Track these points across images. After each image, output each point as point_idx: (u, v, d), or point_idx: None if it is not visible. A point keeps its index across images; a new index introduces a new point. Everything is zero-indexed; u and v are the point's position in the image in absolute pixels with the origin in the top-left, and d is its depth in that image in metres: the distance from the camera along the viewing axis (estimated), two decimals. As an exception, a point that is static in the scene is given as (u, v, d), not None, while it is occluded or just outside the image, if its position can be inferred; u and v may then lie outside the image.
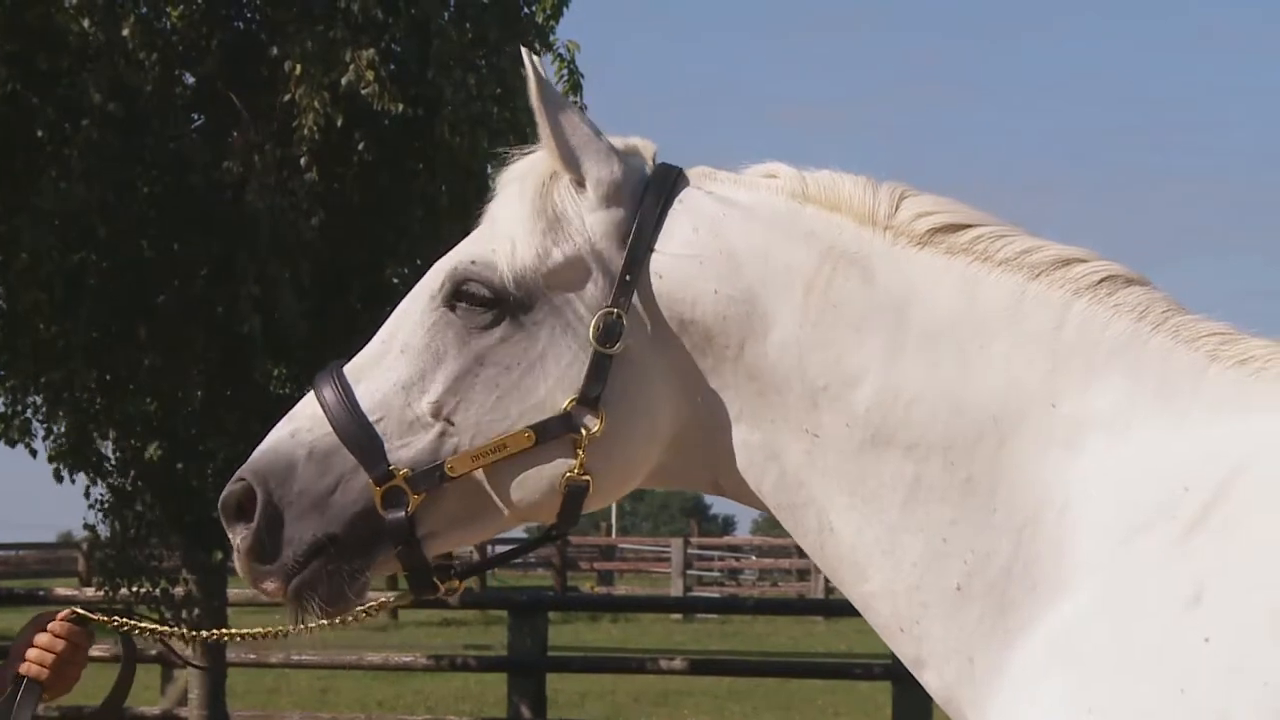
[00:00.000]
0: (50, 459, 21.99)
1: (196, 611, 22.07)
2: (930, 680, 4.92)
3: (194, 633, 5.88)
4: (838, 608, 21.90)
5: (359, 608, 5.01)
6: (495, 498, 4.92)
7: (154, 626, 5.80)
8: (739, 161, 5.17)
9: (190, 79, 20.84)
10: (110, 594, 22.35)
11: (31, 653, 5.65)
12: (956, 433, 4.83)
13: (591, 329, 4.88)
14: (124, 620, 5.79)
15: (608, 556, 64.35)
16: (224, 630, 5.86)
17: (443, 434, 4.88)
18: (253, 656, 26.09)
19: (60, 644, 5.64)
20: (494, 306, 4.90)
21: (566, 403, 4.88)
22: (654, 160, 5.08)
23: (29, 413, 21.65)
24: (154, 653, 18.85)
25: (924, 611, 4.86)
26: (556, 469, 4.90)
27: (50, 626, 5.69)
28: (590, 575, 62.35)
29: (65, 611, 5.74)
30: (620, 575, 64.88)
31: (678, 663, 28.51)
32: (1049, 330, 4.86)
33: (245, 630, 5.50)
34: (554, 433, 4.88)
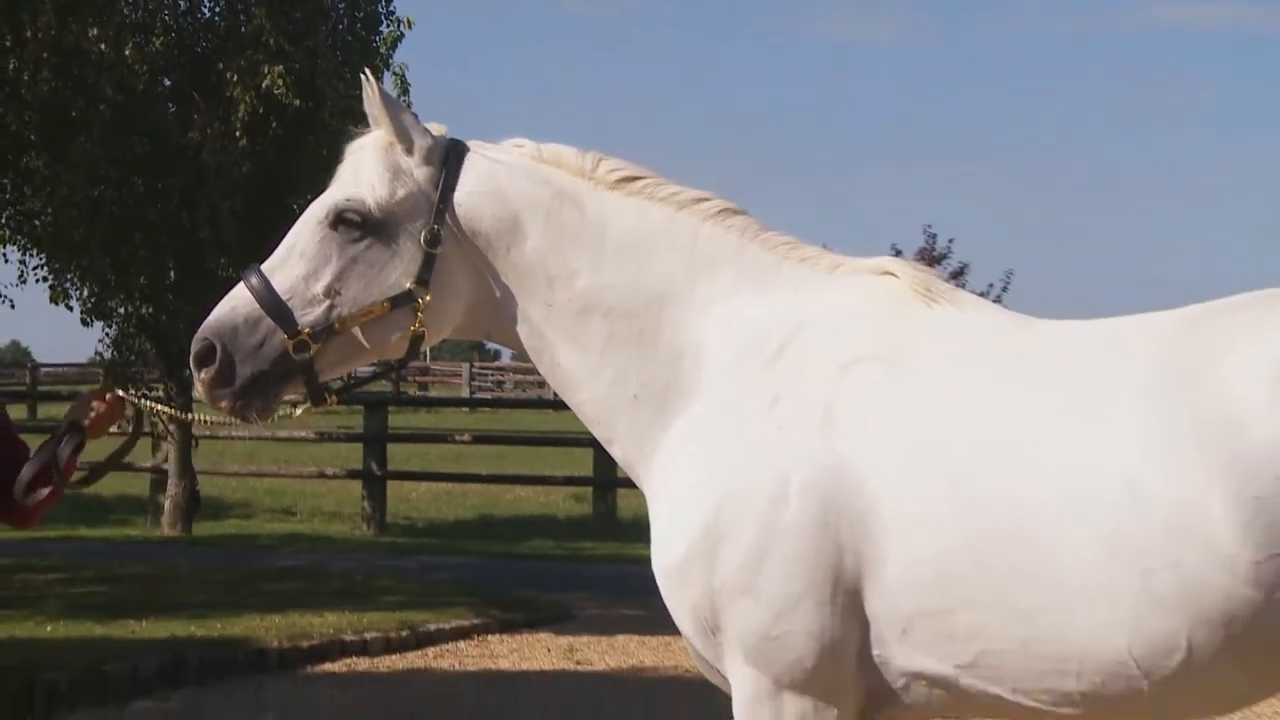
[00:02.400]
0: (81, 313, 22.03)
1: (175, 403, 22.23)
2: (617, 452, 5.01)
3: (180, 413, 5.88)
4: (562, 405, 21.77)
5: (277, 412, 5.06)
6: (365, 344, 4.93)
7: (161, 408, 5.89)
8: (500, 138, 5.19)
9: (168, 82, 20.75)
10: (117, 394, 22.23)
11: (82, 410, 5.63)
12: (635, 305, 4.89)
13: (423, 238, 4.89)
14: (141, 399, 5.83)
15: (424, 373, 64.03)
16: (196, 416, 5.82)
17: (331, 306, 4.86)
18: (207, 433, 25.84)
19: (102, 407, 5.62)
20: (362, 226, 4.89)
21: (409, 284, 4.88)
22: (448, 135, 5.07)
23: (67, 285, 21.64)
24: (148, 430, 18.57)
25: (613, 411, 4.94)
26: (405, 325, 4.92)
27: (97, 396, 5.69)
28: (414, 384, 62.02)
29: (106, 390, 5.73)
30: (431, 384, 64.70)
31: (466, 437, 28.41)
32: (688, 243, 4.94)
33: (212, 419, 5.49)
34: (402, 303, 4.88)
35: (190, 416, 5.58)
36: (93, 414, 5.64)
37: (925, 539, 4.47)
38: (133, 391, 5.86)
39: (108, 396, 5.67)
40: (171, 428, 23.15)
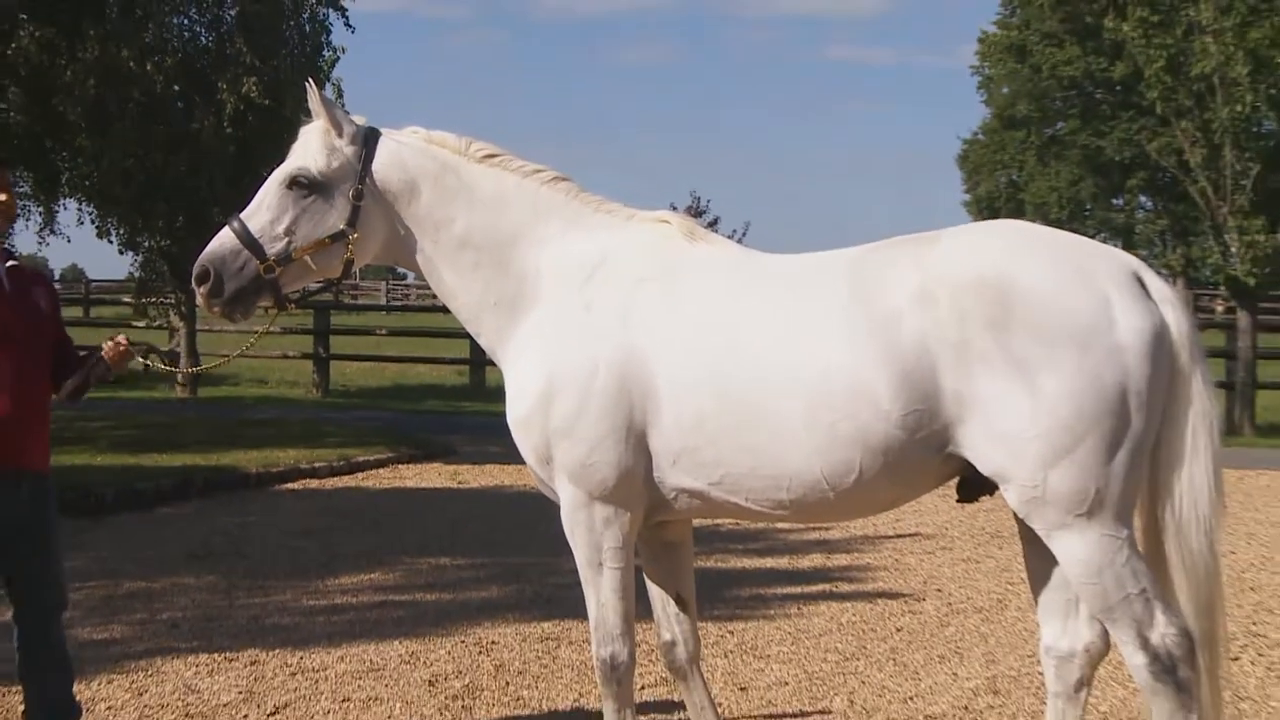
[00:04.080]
0: (119, 245, 21.90)
1: (184, 306, 22.27)
2: (484, 342, 4.91)
3: (175, 367, 5.74)
4: (448, 310, 21.62)
5: (254, 314, 4.92)
6: (313, 267, 4.78)
7: (160, 366, 5.79)
8: (402, 125, 5.03)
9: (177, 88, 20.13)
10: (142, 300, 23.78)
11: (107, 346, 5.47)
12: (495, 241, 4.79)
13: (351, 195, 4.76)
14: (146, 354, 5.70)
15: (355, 288, 62.66)
16: (197, 368, 5.68)
17: (289, 242, 4.72)
18: (204, 325, 25.31)
19: (120, 348, 5.46)
20: (309, 186, 4.74)
21: (343, 226, 4.75)
22: (367, 124, 4.93)
23: (109, 226, 21.66)
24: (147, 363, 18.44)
25: (480, 313, 4.84)
26: (340, 255, 4.79)
27: (117, 339, 5.54)
28: (348, 295, 60.55)
29: (122, 337, 5.57)
30: (360, 295, 63.48)
31: (384, 332, 28.12)
32: (530, 200, 4.84)
33: (206, 366, 5.38)
34: (338, 239, 4.75)
35: (177, 372, 5.46)
36: (113, 353, 5.51)
37: (689, 400, 4.47)
38: (136, 343, 5.67)
39: (122, 344, 5.50)
40: (181, 324, 23.11)
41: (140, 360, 5.65)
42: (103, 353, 5.50)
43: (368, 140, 4.87)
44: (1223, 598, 4.39)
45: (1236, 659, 7.47)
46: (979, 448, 4.21)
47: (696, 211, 30.63)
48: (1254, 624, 8.49)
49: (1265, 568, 10.40)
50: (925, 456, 4.30)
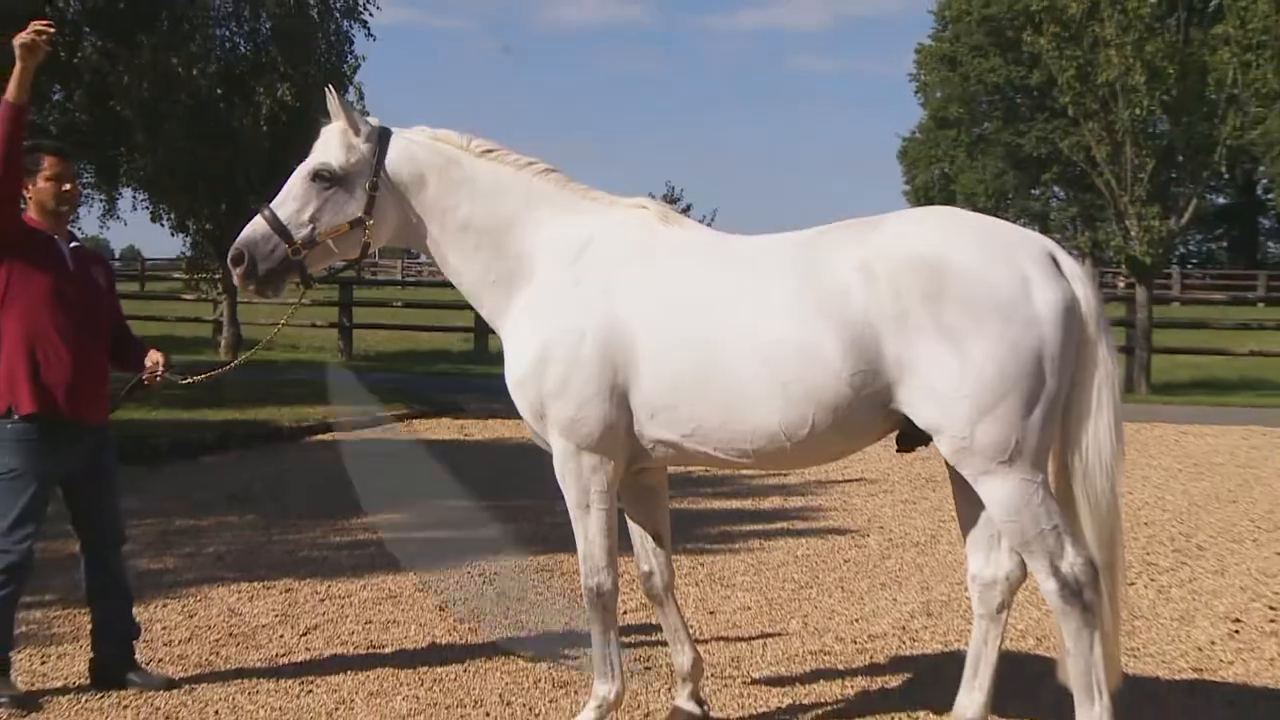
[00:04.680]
0: (169, 228, 21.94)
1: (227, 282, 22.25)
2: (485, 313, 4.82)
3: (187, 379, 5.70)
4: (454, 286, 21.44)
5: (287, 291, 4.83)
6: (335, 250, 4.69)
7: (179, 378, 5.72)
8: (412, 124, 4.92)
9: (220, 91, 20.02)
10: (192, 276, 24.04)
11: (149, 363, 5.52)
12: (493, 225, 4.71)
13: (367, 186, 4.67)
14: (181, 378, 5.73)
15: (374, 266, 62.00)
16: (204, 374, 5.72)
17: (314, 228, 4.63)
18: (243, 299, 25.15)
19: (156, 372, 5.50)
20: (331, 179, 4.66)
21: (360, 213, 4.66)
22: (380, 124, 4.84)
23: (161, 211, 21.67)
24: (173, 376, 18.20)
25: (482, 290, 4.76)
26: (359, 238, 4.70)
27: (155, 361, 5.53)
28: (368, 272, 59.83)
29: (158, 365, 5.56)
30: (378, 272, 62.99)
31: (399, 304, 27.95)
32: (524, 189, 4.75)
33: (211, 372, 5.36)
34: (356, 225, 4.66)
35: (194, 381, 5.54)
36: (154, 371, 5.56)
37: (665, 364, 4.43)
38: (166, 373, 5.65)
39: (160, 373, 5.54)
40: (223, 296, 23.28)
41: (175, 379, 5.65)
42: (146, 364, 5.54)
43: (381, 138, 4.77)
44: (1122, 532, 4.38)
45: (1132, 584, 7.53)
46: (916, 405, 4.20)
47: (672, 199, 30.58)
48: (1147, 554, 8.55)
49: (1157, 506, 10.48)
50: (870, 412, 4.28)
